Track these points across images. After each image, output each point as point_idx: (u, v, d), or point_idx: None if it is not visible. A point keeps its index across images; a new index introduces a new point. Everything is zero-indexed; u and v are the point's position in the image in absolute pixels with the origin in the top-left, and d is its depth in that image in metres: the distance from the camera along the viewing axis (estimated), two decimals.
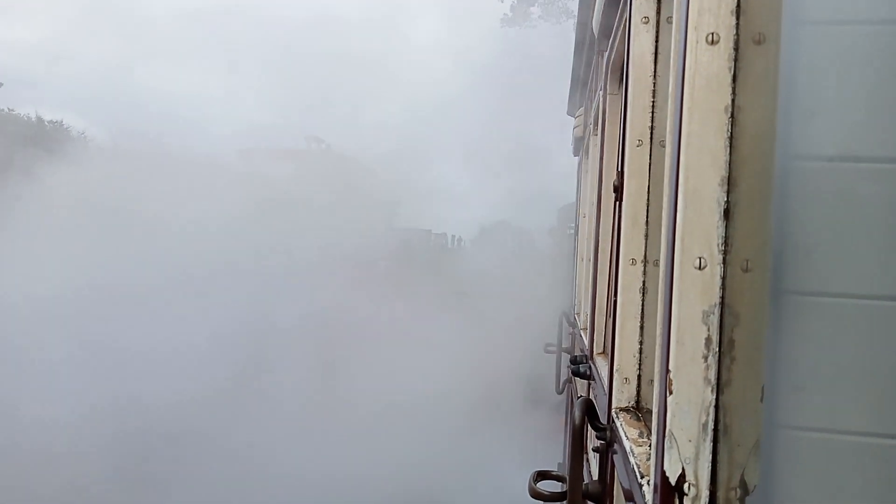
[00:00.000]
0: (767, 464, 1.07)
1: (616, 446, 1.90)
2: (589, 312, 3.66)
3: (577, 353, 4.84)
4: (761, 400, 1.02)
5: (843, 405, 1.13)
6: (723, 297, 1.02)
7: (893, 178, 1.12)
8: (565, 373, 6.16)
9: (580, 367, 3.43)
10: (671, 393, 1.05)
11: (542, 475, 2.49)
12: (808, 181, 1.15)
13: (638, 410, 1.98)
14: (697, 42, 1.03)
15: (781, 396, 1.12)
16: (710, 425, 1.02)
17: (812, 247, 1.14)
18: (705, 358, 1.02)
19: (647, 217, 2.04)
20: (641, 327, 2.04)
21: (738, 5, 1.00)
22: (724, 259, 1.02)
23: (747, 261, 1.02)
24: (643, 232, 2.05)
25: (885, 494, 1.11)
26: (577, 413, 2.08)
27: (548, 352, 7.27)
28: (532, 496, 2.33)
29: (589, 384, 3.34)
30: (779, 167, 1.03)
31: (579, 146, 6.72)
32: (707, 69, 1.02)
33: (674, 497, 1.04)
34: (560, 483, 2.57)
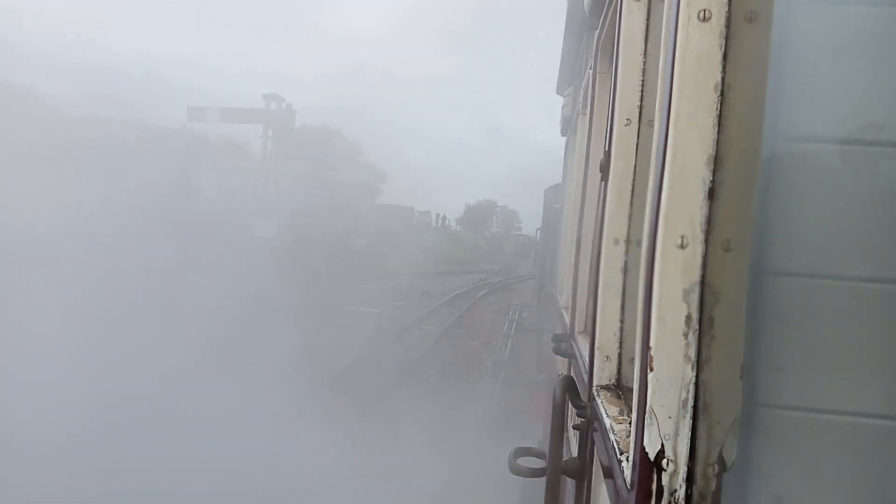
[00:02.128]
0: (746, 441, 1.08)
1: (596, 424, 1.92)
2: (571, 292, 3.68)
3: (559, 331, 4.87)
4: (740, 378, 1.03)
5: (821, 384, 1.15)
6: (703, 276, 1.02)
7: (879, 162, 1.12)
8: (547, 353, 6.21)
9: (561, 344, 3.45)
10: (651, 370, 1.06)
11: (522, 452, 2.51)
12: (792, 162, 1.15)
13: (618, 388, 1.99)
14: (689, 18, 1.02)
15: (760, 375, 1.13)
16: (690, 402, 1.03)
17: (793, 228, 1.15)
18: (685, 335, 1.03)
19: (631, 197, 2.04)
20: (622, 306, 2.05)
21: None
22: (705, 238, 1.02)
23: (729, 240, 1.02)
24: (627, 212, 2.04)
25: (862, 472, 1.14)
26: (557, 391, 2.10)
27: (528, 318, 7.39)
28: (512, 472, 2.35)
29: (570, 362, 3.36)
30: (765, 147, 1.03)
31: (567, 126, 6.70)
32: (698, 46, 1.02)
33: (652, 473, 1.06)
34: (540, 460, 2.59)
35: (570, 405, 2.29)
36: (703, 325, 1.03)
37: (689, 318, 1.04)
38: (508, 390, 12.38)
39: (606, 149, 2.22)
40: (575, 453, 2.38)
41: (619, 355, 2.06)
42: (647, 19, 1.94)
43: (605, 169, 2.19)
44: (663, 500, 1.04)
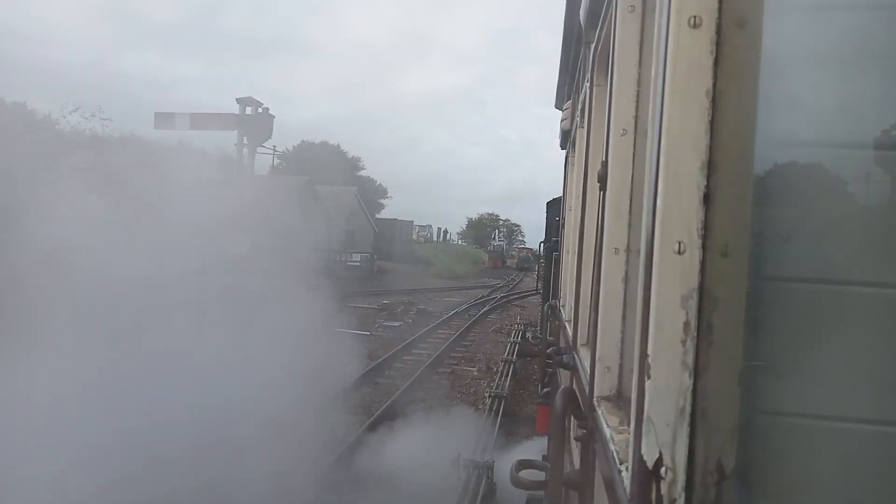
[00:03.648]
0: (744, 448, 1.07)
1: (597, 434, 1.91)
2: (573, 304, 3.67)
3: (562, 345, 4.85)
4: (739, 384, 1.02)
5: (821, 390, 1.14)
6: (701, 282, 1.02)
7: (873, 165, 1.12)
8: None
9: (564, 357, 3.44)
10: (649, 377, 1.05)
11: (524, 464, 2.50)
12: (787, 166, 1.15)
13: (619, 399, 1.98)
14: (679, 25, 1.02)
15: (759, 381, 1.13)
16: (688, 410, 1.02)
17: (791, 232, 1.14)
18: (683, 342, 1.02)
19: (630, 206, 2.04)
20: (623, 317, 2.04)
21: None
22: (703, 244, 1.02)
23: (726, 245, 1.02)
24: (626, 221, 2.05)
25: (861, 479, 1.12)
26: (558, 402, 2.09)
27: (533, 343, 7.30)
28: (513, 485, 2.33)
29: (572, 375, 3.35)
30: (759, 152, 1.03)
31: (566, 139, 6.72)
32: (689, 53, 1.02)
33: (651, 482, 1.04)
34: (543, 472, 2.57)
35: (571, 417, 2.28)
36: (702, 331, 1.03)
37: (687, 324, 1.03)
38: (508, 434, 10.47)
39: (604, 159, 2.22)
40: (577, 465, 2.36)
41: (620, 366, 2.05)
42: (642, 30, 1.95)
43: (603, 179, 2.20)
44: None
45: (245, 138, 20.88)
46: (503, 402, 12.10)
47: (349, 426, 10.51)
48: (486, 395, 12.78)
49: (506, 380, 14.18)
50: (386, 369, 15.31)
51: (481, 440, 9.84)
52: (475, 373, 15.62)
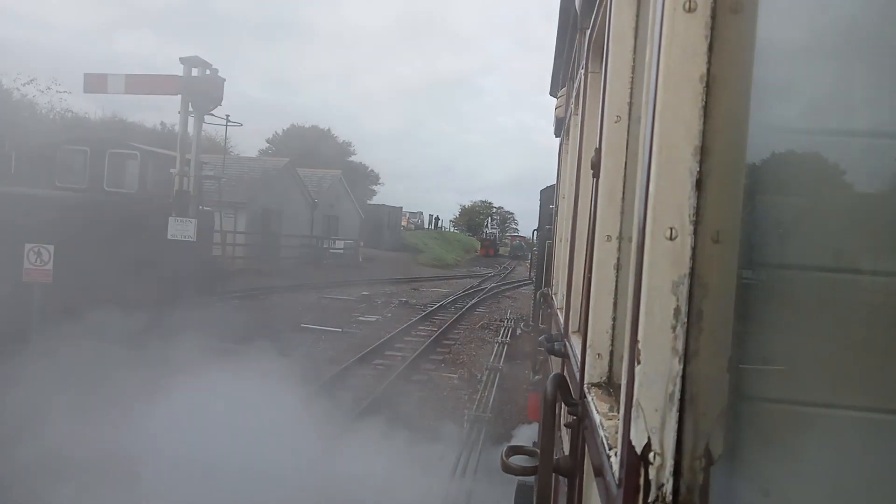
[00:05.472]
0: (732, 434, 1.08)
1: (587, 421, 1.91)
2: (565, 292, 3.67)
3: (553, 332, 4.86)
4: (728, 371, 1.02)
5: (808, 378, 1.14)
6: (692, 268, 1.02)
7: (867, 153, 1.12)
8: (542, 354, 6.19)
9: (555, 344, 3.45)
10: (639, 363, 1.06)
11: (514, 450, 2.51)
12: (781, 153, 1.15)
13: (609, 385, 1.99)
14: (675, 9, 1.02)
15: (747, 368, 1.13)
16: (677, 395, 1.02)
17: (783, 219, 1.14)
18: (673, 328, 1.03)
19: (623, 193, 2.04)
20: (615, 304, 2.04)
21: None
22: (694, 230, 1.02)
23: (718, 232, 1.02)
24: (619, 208, 2.04)
25: (847, 466, 1.13)
26: (549, 388, 2.09)
27: (524, 332, 7.28)
28: (504, 470, 2.34)
29: (563, 362, 3.36)
30: (752, 138, 1.03)
31: (560, 127, 6.71)
32: (683, 37, 1.01)
33: (640, 466, 1.05)
34: (533, 458, 2.58)
35: (562, 404, 2.28)
36: (692, 317, 1.03)
37: (677, 310, 1.03)
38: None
39: (597, 146, 2.21)
40: (567, 451, 2.37)
41: (611, 352, 2.06)
42: (637, 15, 1.94)
43: (596, 167, 2.19)
44: (651, 494, 1.03)
45: (190, 105, 16.92)
46: (484, 428, 10.14)
47: None
48: (465, 417, 10.66)
49: (491, 392, 12.31)
50: (351, 377, 12.90)
51: (451, 490, 7.93)
52: (455, 381, 13.57)
